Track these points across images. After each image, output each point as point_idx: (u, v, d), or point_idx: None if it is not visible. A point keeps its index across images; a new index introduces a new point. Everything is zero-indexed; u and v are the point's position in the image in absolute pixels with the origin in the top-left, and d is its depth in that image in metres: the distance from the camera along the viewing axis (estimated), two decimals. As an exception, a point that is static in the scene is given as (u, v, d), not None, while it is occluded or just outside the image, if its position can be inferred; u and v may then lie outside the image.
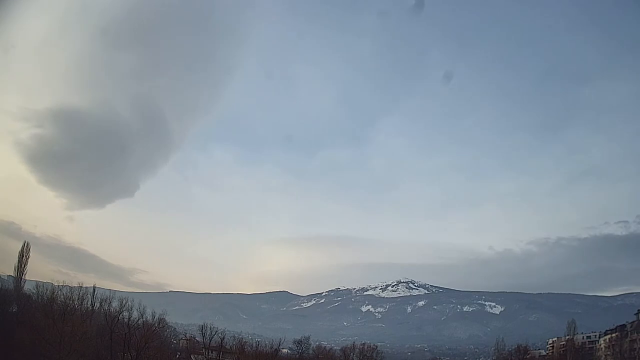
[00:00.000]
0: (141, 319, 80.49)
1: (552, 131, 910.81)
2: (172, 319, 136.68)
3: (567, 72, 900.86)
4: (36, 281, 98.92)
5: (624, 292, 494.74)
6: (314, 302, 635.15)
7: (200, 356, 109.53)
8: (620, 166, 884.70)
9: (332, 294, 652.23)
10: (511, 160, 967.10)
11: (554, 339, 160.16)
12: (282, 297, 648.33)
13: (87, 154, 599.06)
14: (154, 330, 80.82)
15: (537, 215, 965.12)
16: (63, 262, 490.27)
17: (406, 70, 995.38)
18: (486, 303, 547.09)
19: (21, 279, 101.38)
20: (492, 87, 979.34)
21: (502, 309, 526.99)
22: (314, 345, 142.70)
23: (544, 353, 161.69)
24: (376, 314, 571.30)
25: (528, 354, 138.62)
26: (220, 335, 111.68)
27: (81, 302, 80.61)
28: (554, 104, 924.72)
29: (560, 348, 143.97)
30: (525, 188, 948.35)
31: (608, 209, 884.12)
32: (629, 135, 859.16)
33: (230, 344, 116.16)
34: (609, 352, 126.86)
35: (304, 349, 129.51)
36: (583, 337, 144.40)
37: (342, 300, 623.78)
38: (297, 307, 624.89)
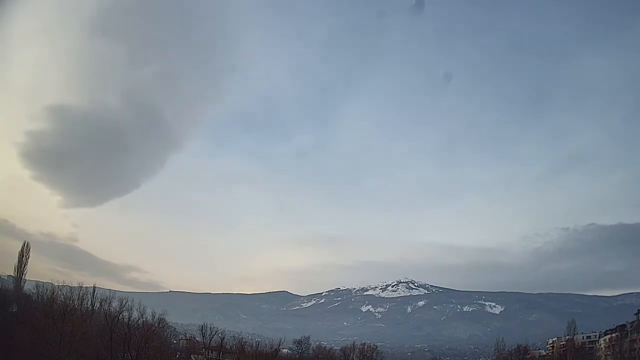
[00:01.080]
0: (141, 319, 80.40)
1: (533, 115, 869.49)
2: (172, 319, 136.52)
3: (543, 48, 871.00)
4: (36, 281, 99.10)
5: (624, 292, 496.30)
6: (314, 302, 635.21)
7: (200, 356, 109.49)
8: (609, 152, 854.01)
9: (332, 294, 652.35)
10: (490, 146, 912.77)
11: (554, 339, 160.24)
12: (282, 297, 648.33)
13: (85, 151, 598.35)
14: (154, 330, 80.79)
15: (522, 205, 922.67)
16: (57, 260, 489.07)
17: (367, 47, 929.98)
18: (486, 303, 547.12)
19: (21, 279, 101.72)
20: (465, 67, 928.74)
21: (502, 309, 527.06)
22: (314, 345, 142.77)
23: (544, 353, 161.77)
24: (376, 314, 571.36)
25: (528, 354, 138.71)
26: (220, 335, 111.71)
27: (81, 302, 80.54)
28: (532, 83, 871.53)
29: (560, 348, 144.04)
30: (509, 176, 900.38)
31: (597, 199, 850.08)
32: (615, 118, 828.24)
33: (230, 344, 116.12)
34: (609, 352, 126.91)
35: (304, 349, 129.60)
36: (583, 337, 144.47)
37: (342, 300, 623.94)
38: (297, 307, 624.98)
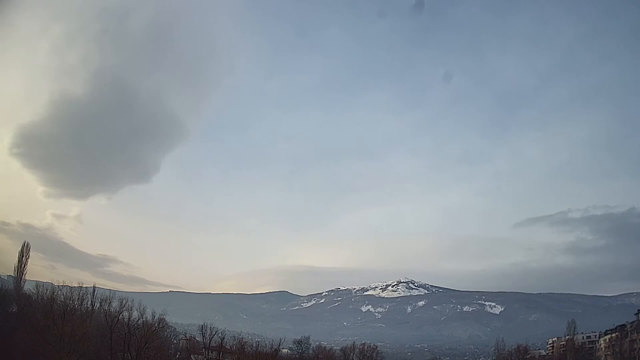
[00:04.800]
0: (141, 319, 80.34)
1: (449, 52, 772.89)
2: (172, 319, 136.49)
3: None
4: (36, 281, 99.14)
5: (624, 292, 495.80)
6: (314, 302, 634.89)
7: (200, 356, 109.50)
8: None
9: (332, 294, 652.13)
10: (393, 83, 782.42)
11: (554, 339, 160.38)
12: (282, 297, 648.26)
13: (78, 146, 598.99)
14: (154, 330, 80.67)
15: (451, 166, 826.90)
16: (36, 252, 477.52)
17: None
18: (486, 303, 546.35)
19: (21, 279, 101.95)
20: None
21: (502, 309, 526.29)
22: (314, 345, 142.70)
23: (544, 353, 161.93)
24: (376, 314, 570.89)
25: (528, 354, 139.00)
26: (220, 335, 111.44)
27: (81, 302, 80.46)
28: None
29: (560, 348, 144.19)
30: (429, 126, 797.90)
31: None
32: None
33: (230, 344, 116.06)
34: (609, 352, 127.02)
35: (304, 349, 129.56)
36: (583, 337, 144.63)
37: (342, 300, 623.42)
38: (297, 307, 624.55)
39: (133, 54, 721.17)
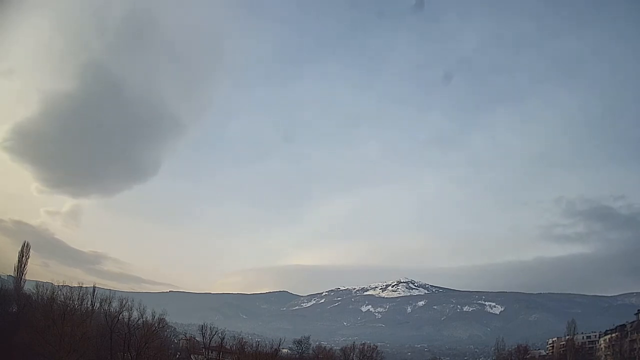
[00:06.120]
0: (141, 319, 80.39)
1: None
2: (172, 319, 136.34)
3: None
4: (36, 281, 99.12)
5: (624, 292, 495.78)
6: (314, 302, 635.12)
7: (200, 356, 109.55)
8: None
9: (332, 294, 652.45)
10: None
11: (554, 339, 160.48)
12: (282, 297, 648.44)
13: (77, 144, 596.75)
14: (154, 330, 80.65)
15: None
16: (33, 251, 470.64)
17: None
18: (486, 303, 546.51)
19: (21, 279, 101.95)
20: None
21: (502, 309, 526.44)
22: (314, 345, 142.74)
23: (544, 353, 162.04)
24: (376, 314, 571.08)
25: (528, 354, 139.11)
26: (220, 335, 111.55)
27: (81, 302, 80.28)
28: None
29: (560, 348, 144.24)
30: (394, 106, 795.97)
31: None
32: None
33: (230, 344, 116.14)
34: (609, 352, 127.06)
35: (304, 349, 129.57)
36: (583, 337, 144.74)
37: (342, 300, 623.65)
38: (297, 307, 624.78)
39: (128, 51, 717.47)
